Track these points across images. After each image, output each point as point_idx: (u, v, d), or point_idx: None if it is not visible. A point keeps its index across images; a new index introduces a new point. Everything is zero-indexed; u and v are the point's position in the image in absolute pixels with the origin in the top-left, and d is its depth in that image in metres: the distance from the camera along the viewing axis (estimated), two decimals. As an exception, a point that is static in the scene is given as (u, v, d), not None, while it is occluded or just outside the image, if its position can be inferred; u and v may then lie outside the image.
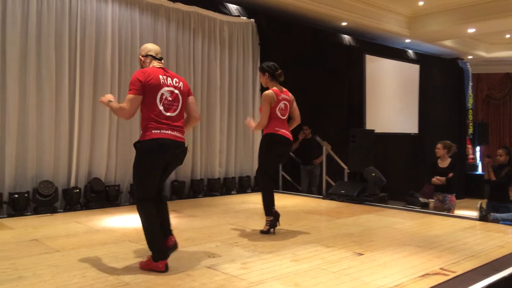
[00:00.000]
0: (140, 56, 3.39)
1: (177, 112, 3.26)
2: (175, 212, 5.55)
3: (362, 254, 3.60)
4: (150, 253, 3.15)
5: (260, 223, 4.69)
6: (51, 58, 5.61)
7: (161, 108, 3.16)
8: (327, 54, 9.15)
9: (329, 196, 6.77)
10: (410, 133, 11.28)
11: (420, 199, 6.19)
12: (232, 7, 7.68)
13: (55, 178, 5.65)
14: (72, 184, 5.77)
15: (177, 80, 3.32)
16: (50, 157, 5.61)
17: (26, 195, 5.29)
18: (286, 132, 4.33)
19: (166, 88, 3.21)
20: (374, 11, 9.15)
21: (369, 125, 9.81)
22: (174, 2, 6.84)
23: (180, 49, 6.97)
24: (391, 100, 10.81)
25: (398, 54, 11.04)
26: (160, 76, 3.20)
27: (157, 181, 3.21)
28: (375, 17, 9.23)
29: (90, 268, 3.20)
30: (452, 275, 3.09)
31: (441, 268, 3.24)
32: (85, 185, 5.85)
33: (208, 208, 5.90)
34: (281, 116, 4.32)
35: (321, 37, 9.12)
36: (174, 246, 3.27)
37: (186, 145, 3.30)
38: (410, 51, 11.44)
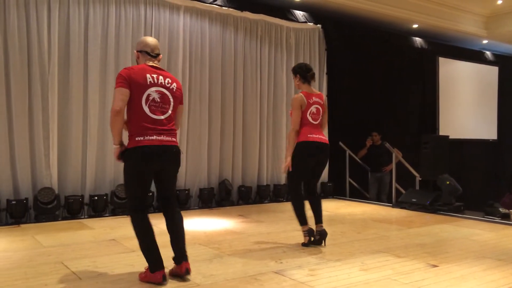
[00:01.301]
0: (135, 51, 3.11)
1: (166, 115, 2.96)
2: (242, 217, 5.64)
3: (437, 266, 3.44)
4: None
5: (327, 229, 4.62)
6: (127, 69, 5.94)
7: (146, 110, 2.87)
8: (397, 57, 8.89)
9: (399, 204, 6.53)
10: (488, 139, 10.60)
11: (500, 209, 5.79)
12: (299, 14, 7.69)
13: (130, 182, 5.95)
14: (146, 187, 6.05)
15: (170, 81, 3.00)
16: (126, 162, 5.92)
17: (105, 197, 5.64)
18: (320, 137, 4.02)
19: (155, 88, 2.91)
20: (448, 12, 8.74)
21: (442, 131, 9.37)
22: (242, 11, 6.99)
23: (248, 56, 7.10)
24: (467, 104, 10.25)
25: (474, 56, 10.46)
26: (148, 75, 2.90)
27: (146, 191, 3.01)
28: (449, 18, 8.81)
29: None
30: (538, 292, 2.87)
31: (525, 284, 3.02)
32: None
33: (274, 214, 5.92)
34: (313, 121, 4.00)
35: (391, 41, 8.87)
36: (186, 273, 2.98)
37: (175, 149, 2.98)
38: (487, 53, 10.79)
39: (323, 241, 4.04)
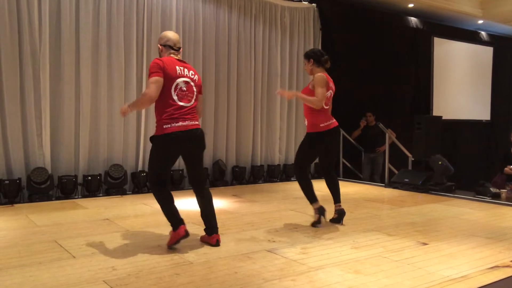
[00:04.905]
0: (159, 45, 3.39)
1: (191, 102, 3.30)
2: (236, 197, 5.67)
3: (427, 244, 3.49)
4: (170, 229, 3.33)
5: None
6: (120, 49, 5.88)
7: (175, 97, 3.22)
8: (392, 37, 8.84)
9: (391, 184, 6.59)
10: (481, 120, 10.66)
11: (491, 189, 5.86)
12: (294, -8, 7.61)
13: (124, 162, 5.96)
14: (140, 168, 6.06)
15: (193, 73, 3.36)
16: (119, 142, 5.92)
17: (98, 177, 5.64)
18: (329, 124, 4.10)
19: (182, 79, 3.25)
20: (444, -9, 8.68)
21: (436, 111, 9.40)
22: (236, -11, 6.90)
23: (241, 36, 7.03)
24: (461, 85, 10.26)
25: (469, 36, 10.42)
26: (177, 67, 3.25)
27: (168, 169, 3.41)
28: (445, -3, 8.74)
29: (156, 247, 3.36)
30: (524, 269, 2.92)
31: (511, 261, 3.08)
32: (151, 169, 6.12)
33: (268, 194, 5.96)
34: (325, 106, 4.07)
35: (386, 20, 8.80)
36: (216, 244, 3.38)
37: (199, 131, 3.31)
38: (483, 33, 10.75)
39: (341, 220, 4.15)
